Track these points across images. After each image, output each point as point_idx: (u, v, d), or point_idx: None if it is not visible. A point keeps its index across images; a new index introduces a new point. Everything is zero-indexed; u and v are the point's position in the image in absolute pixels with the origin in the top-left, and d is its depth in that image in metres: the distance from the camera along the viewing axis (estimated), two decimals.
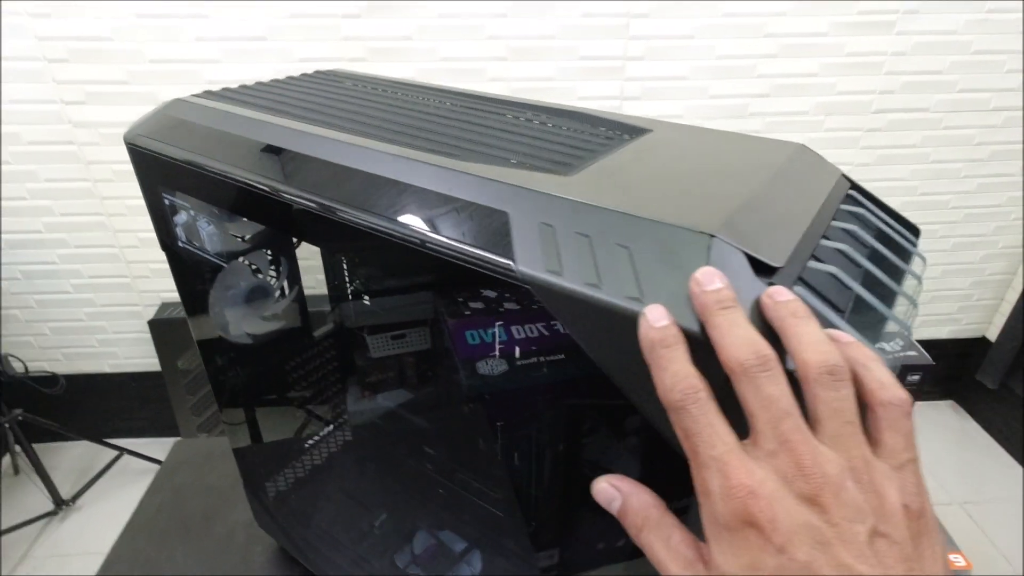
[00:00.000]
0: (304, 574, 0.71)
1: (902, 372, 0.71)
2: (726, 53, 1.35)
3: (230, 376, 0.62)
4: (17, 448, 1.65)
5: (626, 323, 0.25)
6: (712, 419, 0.22)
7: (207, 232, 0.47)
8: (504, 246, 0.29)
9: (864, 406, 0.23)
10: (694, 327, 0.24)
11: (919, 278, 0.32)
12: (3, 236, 1.48)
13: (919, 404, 1.91)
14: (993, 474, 1.68)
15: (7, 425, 1.40)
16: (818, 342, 0.23)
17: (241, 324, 0.60)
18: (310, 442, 0.74)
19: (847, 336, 0.24)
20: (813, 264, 0.28)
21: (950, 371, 1.88)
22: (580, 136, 0.40)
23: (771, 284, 0.26)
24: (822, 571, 0.20)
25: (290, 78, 0.56)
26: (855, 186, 0.37)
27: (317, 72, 0.59)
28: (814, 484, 0.21)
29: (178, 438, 1.32)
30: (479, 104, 0.48)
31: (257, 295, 0.60)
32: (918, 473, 0.22)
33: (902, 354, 0.73)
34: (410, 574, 0.64)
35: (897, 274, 0.33)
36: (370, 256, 0.40)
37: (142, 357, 1.68)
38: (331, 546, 0.68)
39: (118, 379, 1.71)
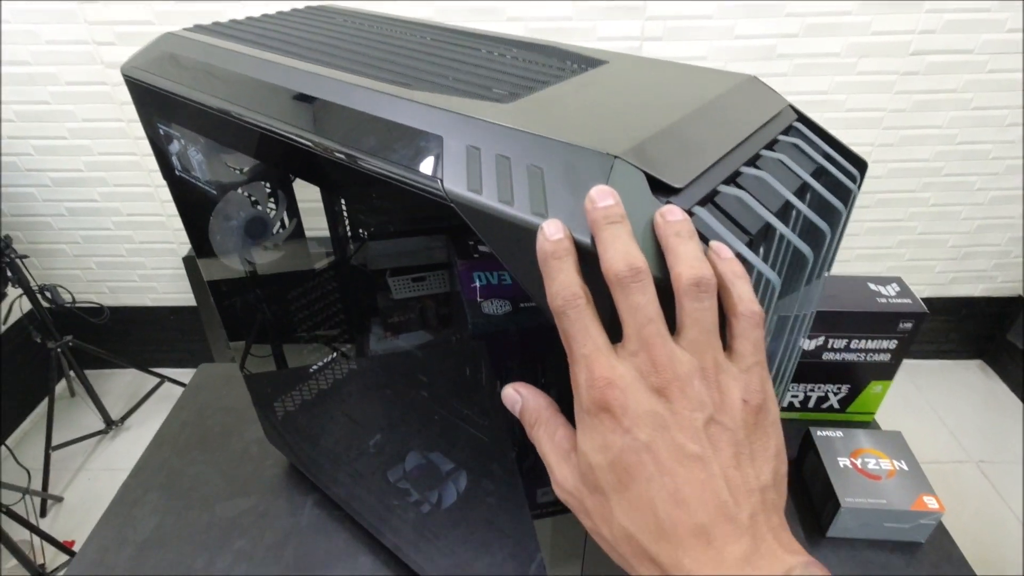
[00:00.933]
0: (308, 485, 0.78)
1: (893, 319, 0.71)
2: None
3: (232, 304, 0.67)
4: (71, 374, 1.79)
5: (531, 237, 0.27)
6: (587, 323, 0.25)
7: (197, 161, 0.51)
8: (436, 166, 0.31)
9: (725, 316, 0.25)
10: (587, 240, 0.26)
11: (842, 210, 0.33)
12: (49, 174, 1.57)
13: (946, 363, 1.87)
14: (1015, 436, 1.65)
15: (59, 350, 1.52)
16: (692, 259, 0.25)
17: (240, 255, 0.64)
18: (313, 368, 0.79)
19: (727, 252, 0.26)
20: (724, 188, 0.30)
21: (982, 331, 1.83)
22: (539, 68, 0.41)
23: (668, 203, 0.27)
24: (659, 449, 0.23)
25: (280, 13, 0.58)
26: (803, 118, 0.38)
27: (308, 7, 0.60)
28: (664, 379, 0.23)
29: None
30: (457, 39, 0.49)
31: (255, 227, 0.64)
32: (763, 375, 0.25)
33: (896, 300, 0.72)
34: (400, 487, 0.69)
35: (826, 207, 0.33)
36: (336, 184, 0.42)
37: (179, 292, 1.78)
38: (331, 461, 0.74)
39: (159, 312, 1.82)
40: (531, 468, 0.63)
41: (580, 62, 0.43)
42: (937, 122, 1.44)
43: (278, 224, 0.67)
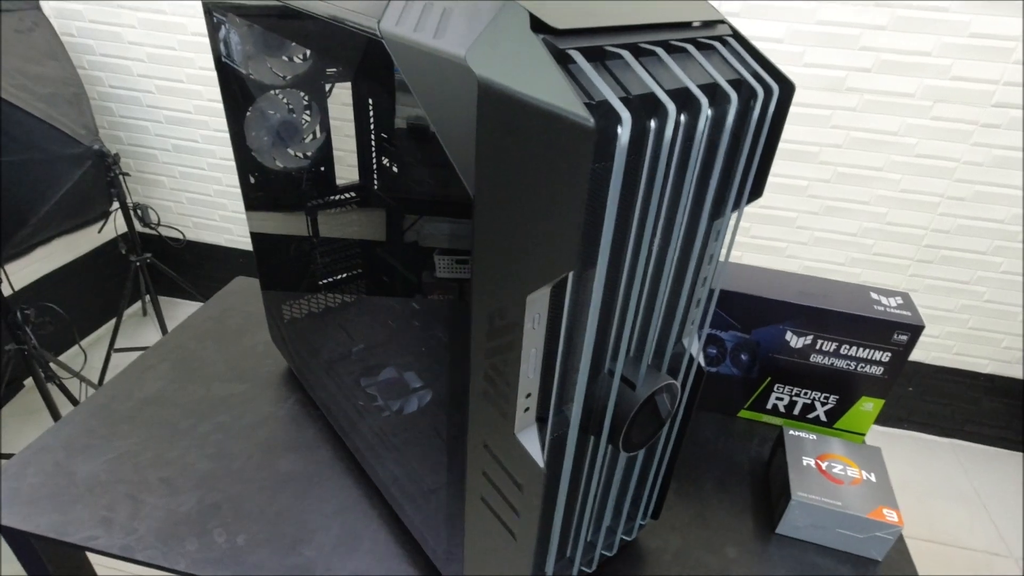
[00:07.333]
0: (296, 385, 0.84)
1: (887, 328, 0.69)
2: None
3: (257, 195, 0.75)
4: (147, 297, 1.99)
5: (446, 66, 0.31)
6: None
7: (240, 45, 0.59)
8: (380, 13, 0.37)
9: None
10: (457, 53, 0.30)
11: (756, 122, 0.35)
12: (164, 112, 1.77)
13: (1002, 452, 1.71)
14: None
15: (139, 264, 1.70)
16: None
17: (271, 153, 0.72)
18: (322, 282, 0.86)
19: None
20: (613, 48, 0.33)
21: None
22: None
23: (547, 40, 0.31)
24: None
25: None
26: (737, 36, 0.40)
27: None
28: None
29: None
30: None
31: (287, 130, 0.72)
32: None
33: (895, 311, 0.70)
34: (368, 392, 0.74)
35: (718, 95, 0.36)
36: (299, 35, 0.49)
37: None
38: (317, 361, 0.80)
39: (230, 253, 1.99)
40: None
41: None
42: (1015, 181, 1.36)
43: (309, 133, 0.75)
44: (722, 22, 0.40)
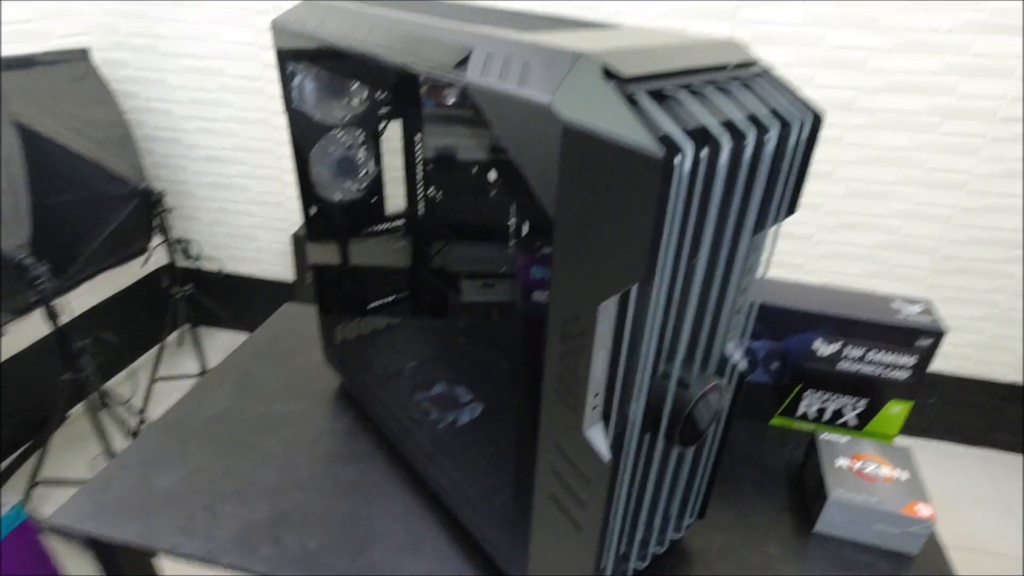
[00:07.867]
0: (351, 402, 0.89)
1: (910, 334, 0.74)
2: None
3: (319, 227, 0.82)
4: (186, 325, 2.06)
5: (532, 110, 0.37)
6: None
7: (309, 91, 0.66)
8: (464, 65, 0.43)
9: None
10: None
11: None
12: (202, 151, 1.87)
13: (1018, 456, 1.71)
14: None
15: (179, 296, 1.77)
16: None
17: (331, 187, 0.79)
18: (373, 304, 0.92)
19: None
20: (670, 90, 0.39)
21: None
22: (561, 24, 0.53)
23: (617, 86, 0.37)
24: None
25: None
26: (768, 72, 0.46)
27: None
28: None
29: None
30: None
31: (346, 165, 0.79)
32: None
33: (916, 318, 0.75)
34: (422, 406, 0.79)
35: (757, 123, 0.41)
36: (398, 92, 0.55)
37: (283, 267, 2.01)
38: (372, 378, 0.85)
39: (264, 284, 2.07)
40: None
41: (593, 25, 0.54)
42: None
43: (364, 168, 0.82)
44: (755, 62, 0.46)
